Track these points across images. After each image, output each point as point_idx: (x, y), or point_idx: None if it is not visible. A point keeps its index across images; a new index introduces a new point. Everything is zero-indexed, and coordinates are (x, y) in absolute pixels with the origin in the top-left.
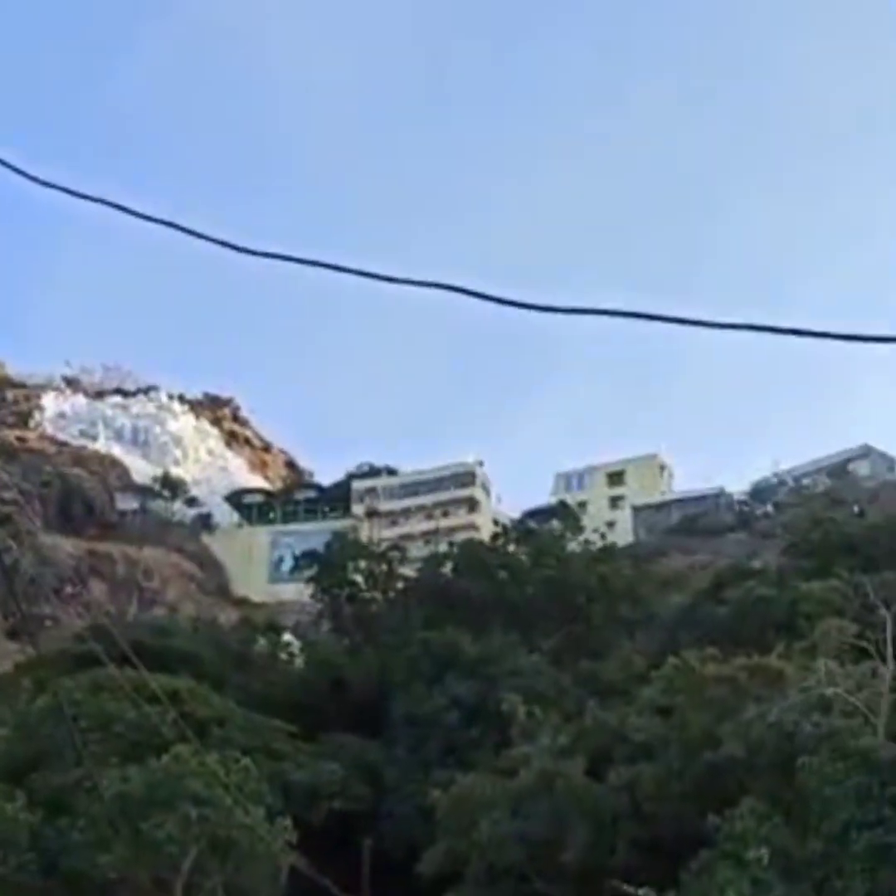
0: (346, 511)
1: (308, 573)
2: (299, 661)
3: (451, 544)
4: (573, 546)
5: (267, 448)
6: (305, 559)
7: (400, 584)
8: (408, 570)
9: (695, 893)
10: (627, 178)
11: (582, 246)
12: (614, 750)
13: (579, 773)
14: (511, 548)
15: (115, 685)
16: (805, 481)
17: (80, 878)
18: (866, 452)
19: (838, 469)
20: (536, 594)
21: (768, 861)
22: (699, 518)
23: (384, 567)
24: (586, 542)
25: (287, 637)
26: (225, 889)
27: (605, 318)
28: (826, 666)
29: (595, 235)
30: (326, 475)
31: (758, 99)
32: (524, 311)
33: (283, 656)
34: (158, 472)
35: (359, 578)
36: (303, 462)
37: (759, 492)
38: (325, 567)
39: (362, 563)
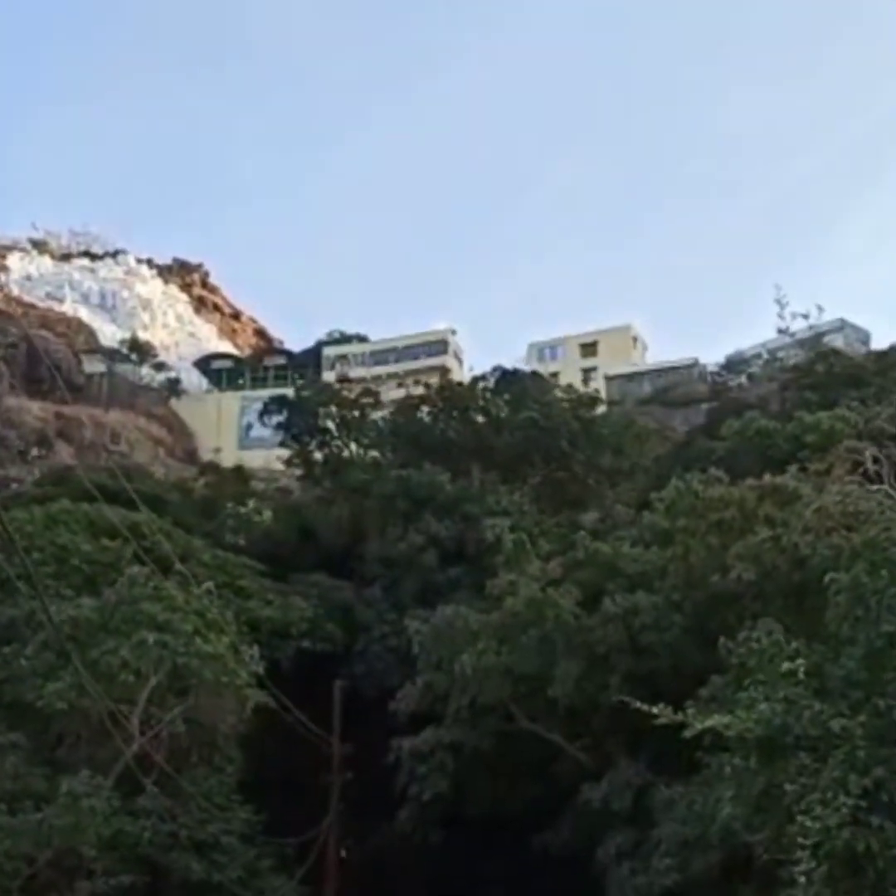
0: (317, 378)
1: (278, 433)
2: (268, 515)
3: (427, 387)
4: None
5: (236, 315)
6: (274, 404)
7: (372, 433)
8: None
9: (713, 717)
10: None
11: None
12: (608, 583)
13: (571, 603)
14: (488, 395)
15: (71, 519)
16: (780, 354)
17: (25, 709)
18: (841, 326)
19: (813, 342)
20: (517, 438)
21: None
22: (672, 389)
23: (356, 413)
24: (569, 386)
25: (256, 484)
26: (185, 723)
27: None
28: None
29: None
30: (296, 344)
31: None
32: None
33: (251, 505)
34: (126, 336)
35: (330, 425)
36: (273, 331)
37: (734, 364)
38: (294, 413)
39: (333, 409)
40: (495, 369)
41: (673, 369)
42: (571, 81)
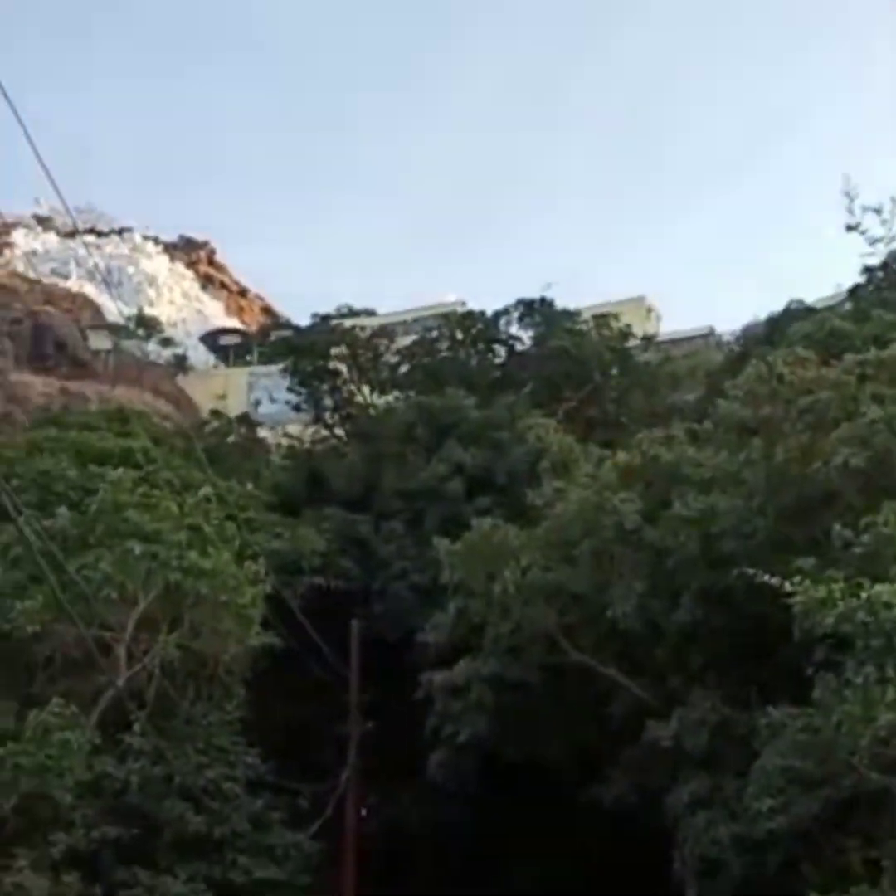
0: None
1: (287, 409)
2: (277, 458)
3: (446, 317)
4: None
5: (243, 293)
6: (281, 347)
7: (386, 373)
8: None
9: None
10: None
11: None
12: (672, 492)
13: (631, 510)
14: (513, 328)
15: (56, 447)
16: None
17: None
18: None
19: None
20: (545, 369)
21: None
22: (688, 358)
23: (369, 354)
24: (600, 318)
25: (265, 432)
26: (179, 650)
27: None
28: None
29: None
30: (304, 321)
31: None
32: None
33: (259, 451)
34: (132, 311)
35: (342, 367)
36: (280, 308)
37: (751, 333)
38: (303, 354)
39: (344, 351)
40: (519, 303)
41: (688, 339)
42: (582, 73)
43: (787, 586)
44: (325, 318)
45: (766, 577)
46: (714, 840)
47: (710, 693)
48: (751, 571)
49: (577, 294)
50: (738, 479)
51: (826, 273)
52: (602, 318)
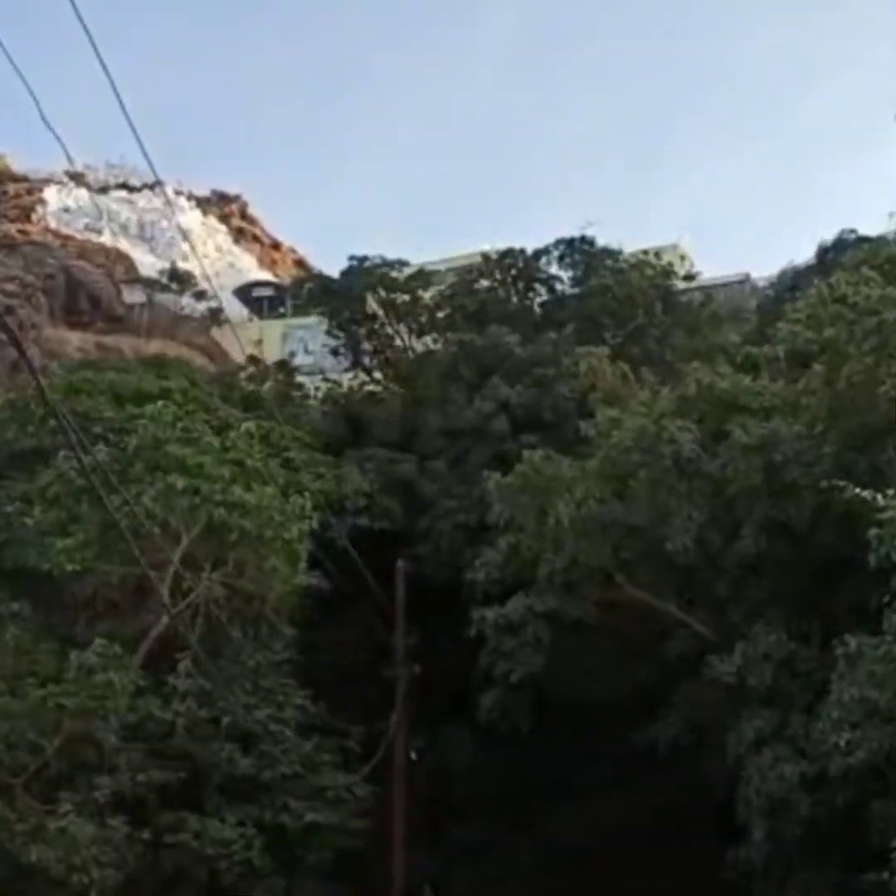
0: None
1: (322, 359)
2: (315, 404)
3: (485, 257)
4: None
5: (276, 246)
6: (318, 288)
7: (424, 318)
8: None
9: None
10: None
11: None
12: (729, 421)
13: (688, 439)
14: (553, 268)
15: (93, 389)
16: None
17: (27, 573)
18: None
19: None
20: (587, 308)
21: None
22: (723, 304)
23: (407, 297)
24: (643, 255)
25: (301, 379)
26: (224, 588)
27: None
28: None
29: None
30: (337, 273)
31: None
32: None
33: (297, 397)
34: (165, 266)
35: (379, 311)
36: (313, 260)
37: (786, 278)
38: (340, 299)
39: (383, 293)
40: (559, 242)
41: (723, 285)
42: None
43: (880, 500)
44: (362, 260)
45: (858, 491)
46: (781, 777)
47: (774, 627)
48: (841, 483)
49: (609, 242)
50: (799, 406)
51: (859, 213)
52: (643, 257)
